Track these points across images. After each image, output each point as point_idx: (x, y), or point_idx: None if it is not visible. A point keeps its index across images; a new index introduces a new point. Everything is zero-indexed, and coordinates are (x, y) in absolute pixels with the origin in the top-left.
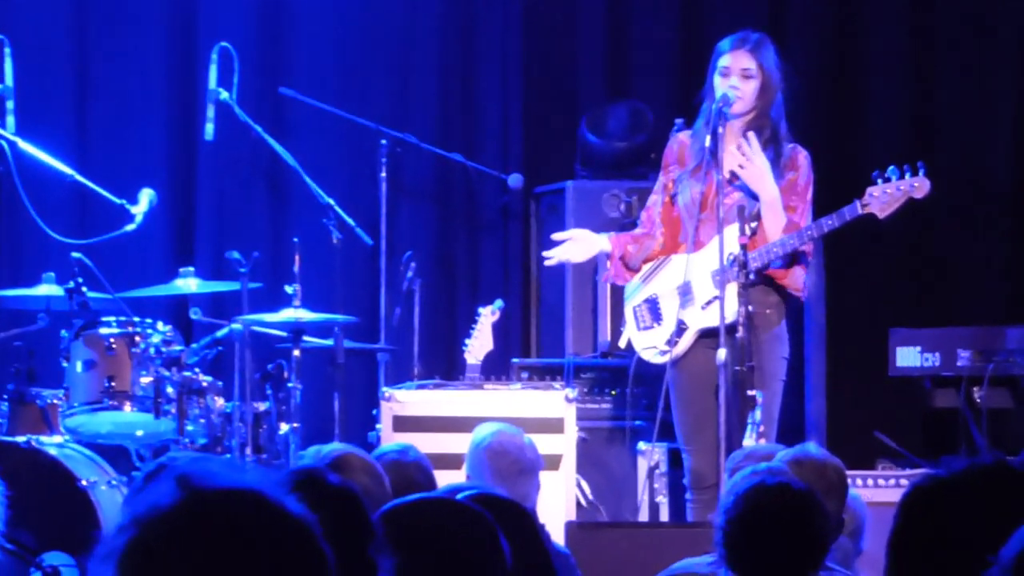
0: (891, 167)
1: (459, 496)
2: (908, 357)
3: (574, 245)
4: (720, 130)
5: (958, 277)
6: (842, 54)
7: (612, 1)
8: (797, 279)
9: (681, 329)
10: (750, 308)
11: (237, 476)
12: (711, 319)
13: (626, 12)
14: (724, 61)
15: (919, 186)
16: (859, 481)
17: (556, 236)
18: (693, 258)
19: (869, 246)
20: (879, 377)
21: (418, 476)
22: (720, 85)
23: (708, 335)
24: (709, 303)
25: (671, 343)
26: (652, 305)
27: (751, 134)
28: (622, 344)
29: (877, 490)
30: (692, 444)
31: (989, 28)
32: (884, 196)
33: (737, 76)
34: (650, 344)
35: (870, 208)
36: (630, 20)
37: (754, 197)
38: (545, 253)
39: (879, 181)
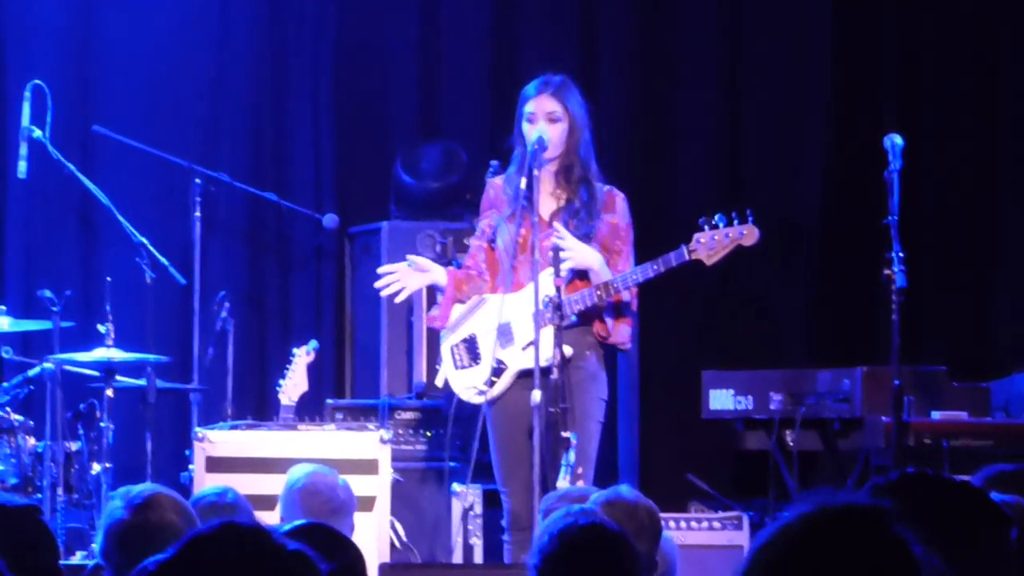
0: (718, 214)
1: (283, 529)
2: (721, 399)
3: (409, 272)
4: (536, 172)
5: (769, 320)
6: (653, 93)
7: (424, 41)
8: (623, 334)
9: (500, 369)
10: (568, 350)
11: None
12: (531, 360)
13: (438, 53)
14: (529, 107)
15: (748, 233)
16: (672, 523)
17: (384, 269)
18: (511, 299)
19: (682, 287)
20: (692, 419)
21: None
22: (529, 131)
23: (527, 375)
24: (529, 344)
25: (489, 383)
26: (470, 344)
27: (557, 224)
28: (439, 383)
29: (689, 532)
30: (509, 485)
31: (800, 65)
32: (712, 243)
33: (543, 120)
34: (468, 384)
35: (697, 254)
36: (442, 60)
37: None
38: (378, 283)
39: (705, 227)
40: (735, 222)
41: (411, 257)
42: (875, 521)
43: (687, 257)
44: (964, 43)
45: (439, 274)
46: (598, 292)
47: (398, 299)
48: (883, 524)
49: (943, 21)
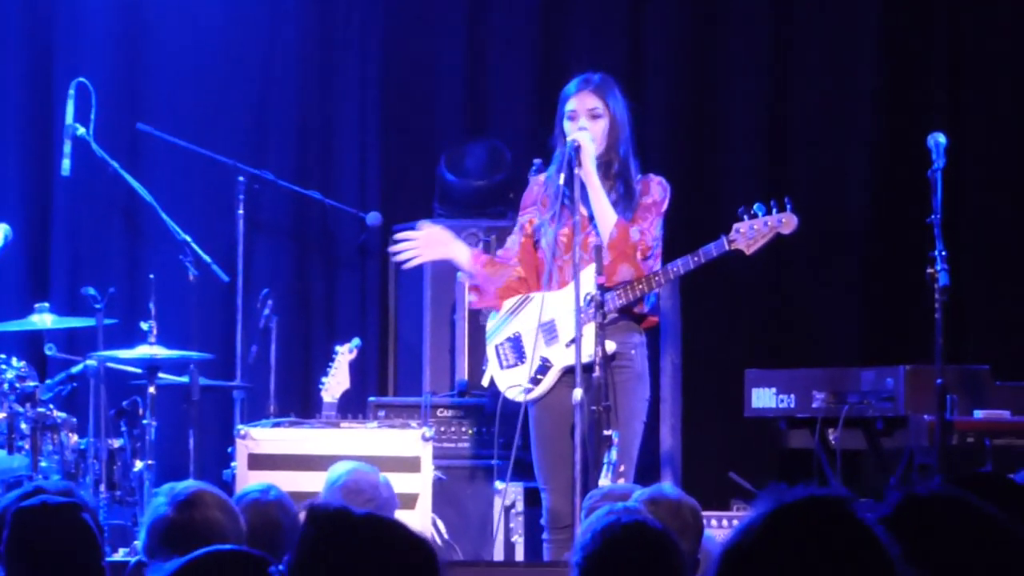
0: (757, 203)
1: None
2: (763, 398)
3: (427, 242)
4: (576, 171)
5: (812, 319)
6: (700, 90)
7: (470, 39)
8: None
9: (545, 367)
10: (611, 345)
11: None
12: (574, 357)
13: (484, 51)
14: (571, 104)
15: (787, 221)
16: (714, 522)
17: (401, 235)
18: (555, 296)
19: (725, 287)
20: (734, 417)
21: (279, 515)
22: (570, 128)
23: (571, 373)
24: (572, 341)
25: (534, 381)
26: (515, 343)
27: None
28: (484, 383)
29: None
30: (550, 483)
31: (847, 68)
32: (751, 232)
33: (585, 117)
34: (514, 382)
35: (737, 244)
36: (488, 59)
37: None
38: (393, 248)
39: (745, 217)
40: (774, 211)
41: (424, 224)
42: (835, 507)
43: (727, 247)
44: (1012, 41)
45: (459, 251)
46: (639, 286)
47: (407, 265)
48: (843, 509)
49: (991, 19)
